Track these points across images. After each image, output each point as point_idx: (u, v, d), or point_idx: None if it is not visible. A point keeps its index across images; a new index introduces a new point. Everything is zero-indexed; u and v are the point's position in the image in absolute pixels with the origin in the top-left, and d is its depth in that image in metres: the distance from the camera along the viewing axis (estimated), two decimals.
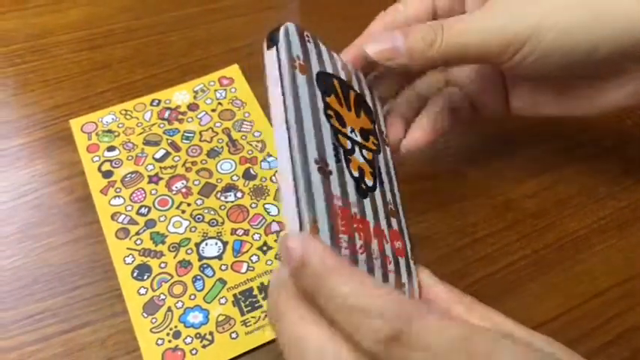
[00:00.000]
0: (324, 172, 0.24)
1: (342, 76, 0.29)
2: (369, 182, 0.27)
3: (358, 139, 0.28)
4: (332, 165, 0.25)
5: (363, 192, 0.26)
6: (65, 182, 0.38)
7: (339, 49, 0.35)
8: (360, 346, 0.19)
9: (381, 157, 0.29)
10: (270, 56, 0.25)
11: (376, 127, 0.30)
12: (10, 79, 0.43)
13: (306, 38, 0.27)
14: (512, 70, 0.30)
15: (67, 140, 0.40)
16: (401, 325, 0.19)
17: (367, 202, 0.26)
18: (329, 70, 0.28)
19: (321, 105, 0.26)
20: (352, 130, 0.27)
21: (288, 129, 0.24)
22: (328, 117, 0.26)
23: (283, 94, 0.24)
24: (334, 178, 0.24)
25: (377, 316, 0.19)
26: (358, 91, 0.30)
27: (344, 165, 0.25)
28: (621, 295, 0.34)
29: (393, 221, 0.28)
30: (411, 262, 0.27)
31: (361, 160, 0.27)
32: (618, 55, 0.28)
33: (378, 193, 0.27)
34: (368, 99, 0.31)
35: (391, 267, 0.25)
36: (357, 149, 0.27)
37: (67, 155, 0.39)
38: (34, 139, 0.40)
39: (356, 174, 0.26)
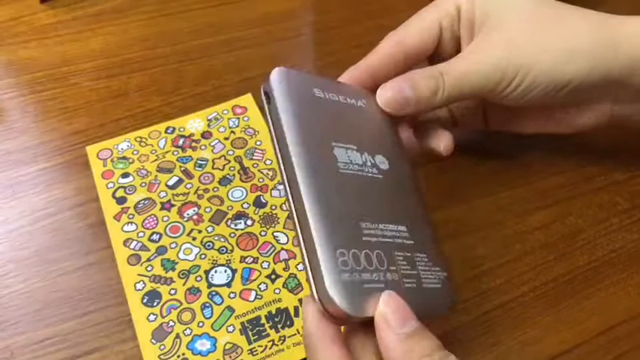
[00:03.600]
0: None
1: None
2: None
3: None
4: None
5: None
6: (80, 208, 0.39)
7: None
8: None
9: None
10: None
11: None
12: (31, 106, 0.44)
13: None
14: (499, 101, 0.33)
15: (83, 166, 0.40)
16: None
17: None
18: None
19: None
20: None
21: None
22: None
23: None
24: None
25: None
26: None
27: None
28: (633, 331, 0.34)
29: None
30: None
31: None
32: (587, 86, 0.32)
33: None
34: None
35: None
36: None
37: (83, 181, 0.40)
38: (52, 165, 0.41)
39: None
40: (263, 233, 0.37)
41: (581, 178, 0.40)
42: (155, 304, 0.34)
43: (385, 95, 0.32)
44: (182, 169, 0.40)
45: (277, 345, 0.33)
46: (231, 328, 0.33)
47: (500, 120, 0.38)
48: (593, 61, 0.32)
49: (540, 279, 0.36)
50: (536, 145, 0.41)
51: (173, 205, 0.38)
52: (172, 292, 0.35)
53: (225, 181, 0.40)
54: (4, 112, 0.44)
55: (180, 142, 0.42)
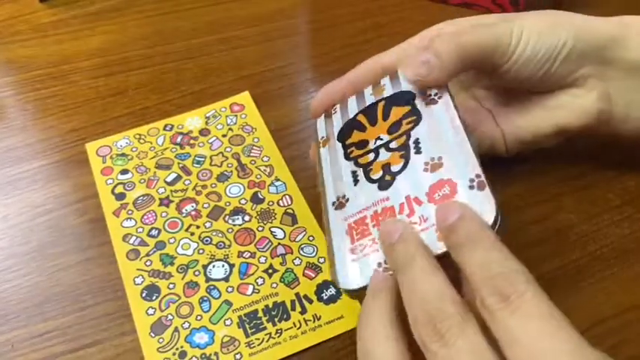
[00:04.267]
0: (340, 204, 0.32)
1: (369, 101, 0.36)
2: (397, 167, 0.31)
3: (384, 140, 0.33)
4: (349, 192, 0.32)
5: (387, 183, 0.31)
6: (79, 204, 0.39)
7: None
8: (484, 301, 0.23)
9: (420, 126, 0.32)
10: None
11: (417, 100, 0.33)
12: (31, 104, 0.45)
13: (332, 112, 0.37)
14: (506, 75, 0.35)
15: (82, 163, 0.41)
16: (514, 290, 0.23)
17: (393, 187, 0.31)
18: (352, 113, 0.36)
19: (341, 153, 0.34)
20: (377, 140, 0.33)
21: (325, 190, 0.33)
22: (349, 155, 0.34)
23: (320, 171, 0.35)
24: (351, 201, 0.32)
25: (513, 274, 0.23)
26: (390, 94, 0.35)
27: (363, 180, 0.32)
28: (622, 324, 0.34)
29: (438, 173, 0.29)
30: (472, 195, 0.28)
31: (387, 156, 0.32)
32: (577, 55, 0.35)
33: (410, 167, 0.31)
34: (407, 85, 0.35)
35: (427, 223, 0.28)
36: (381, 151, 0.33)
37: (82, 178, 0.40)
38: (51, 162, 0.41)
39: (378, 175, 0.32)
40: (260, 229, 0.38)
41: (573, 174, 0.41)
42: (154, 298, 0.35)
43: (409, 70, 0.33)
44: (180, 165, 0.41)
45: (274, 338, 0.33)
46: (228, 322, 0.34)
47: (510, 118, 0.39)
48: (578, 29, 0.34)
49: (533, 273, 0.35)
50: None
51: (172, 201, 0.39)
52: (171, 286, 0.35)
53: (222, 177, 0.40)
54: (3, 109, 0.44)
55: (179, 139, 0.42)
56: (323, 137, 0.36)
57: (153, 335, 0.33)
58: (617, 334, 0.34)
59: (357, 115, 0.35)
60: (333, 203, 0.32)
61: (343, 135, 0.35)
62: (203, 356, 0.32)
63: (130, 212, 0.38)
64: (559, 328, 0.22)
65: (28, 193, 0.39)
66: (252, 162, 0.41)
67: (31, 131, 0.43)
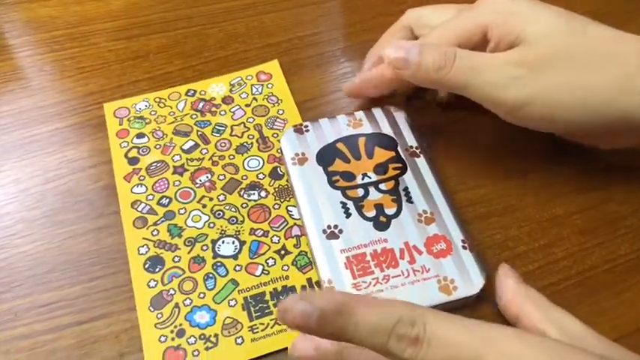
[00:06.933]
0: (333, 234, 0.32)
1: (347, 132, 0.37)
2: (391, 211, 0.33)
3: (373, 179, 0.34)
4: (341, 223, 0.33)
5: (383, 225, 0.33)
6: (93, 170, 0.38)
7: None
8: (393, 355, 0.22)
9: (407, 175, 0.35)
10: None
11: (400, 149, 0.36)
12: (49, 65, 0.43)
13: (304, 129, 0.37)
14: (501, 116, 0.33)
15: (98, 127, 0.39)
16: (417, 330, 0.22)
17: (390, 230, 0.32)
18: (331, 139, 0.36)
19: (324, 178, 0.34)
20: (364, 176, 0.35)
21: (302, 211, 0.33)
22: (334, 184, 0.34)
23: (293, 186, 0.35)
24: (345, 234, 0.32)
25: (396, 327, 0.22)
26: (370, 132, 0.37)
27: (356, 215, 0.33)
28: None
29: (432, 227, 0.32)
30: (466, 255, 0.31)
31: (378, 196, 0.34)
32: (602, 126, 0.32)
33: (404, 214, 0.33)
34: (387, 129, 0.37)
35: (430, 274, 0.31)
36: (371, 190, 0.34)
37: (97, 142, 0.39)
38: (66, 125, 0.40)
39: (372, 214, 0.33)
40: (276, 206, 0.35)
41: (625, 162, 0.37)
42: (157, 270, 0.33)
43: (390, 51, 0.33)
44: (199, 133, 0.39)
45: (279, 324, 0.31)
46: (233, 302, 0.32)
47: None
48: (606, 108, 0.31)
49: (577, 267, 0.33)
50: None
51: (186, 170, 0.37)
52: (176, 259, 0.33)
53: (242, 149, 0.38)
54: (21, 70, 0.43)
55: (200, 105, 0.40)
56: (297, 154, 0.35)
57: (152, 309, 0.31)
58: None
59: (336, 142, 0.36)
60: (324, 231, 0.32)
61: (323, 160, 0.35)
62: (202, 337, 0.30)
63: (141, 178, 0.37)
64: (467, 328, 0.22)
65: (42, 157, 0.38)
66: (275, 135, 0.39)
67: (47, 93, 0.42)
